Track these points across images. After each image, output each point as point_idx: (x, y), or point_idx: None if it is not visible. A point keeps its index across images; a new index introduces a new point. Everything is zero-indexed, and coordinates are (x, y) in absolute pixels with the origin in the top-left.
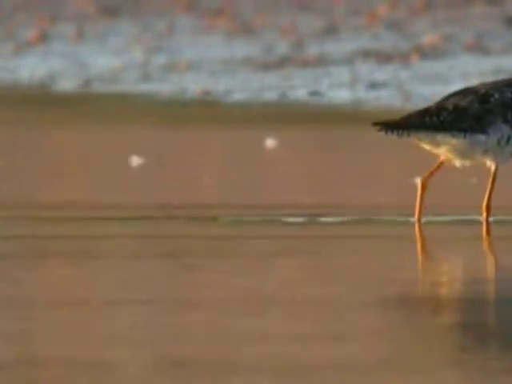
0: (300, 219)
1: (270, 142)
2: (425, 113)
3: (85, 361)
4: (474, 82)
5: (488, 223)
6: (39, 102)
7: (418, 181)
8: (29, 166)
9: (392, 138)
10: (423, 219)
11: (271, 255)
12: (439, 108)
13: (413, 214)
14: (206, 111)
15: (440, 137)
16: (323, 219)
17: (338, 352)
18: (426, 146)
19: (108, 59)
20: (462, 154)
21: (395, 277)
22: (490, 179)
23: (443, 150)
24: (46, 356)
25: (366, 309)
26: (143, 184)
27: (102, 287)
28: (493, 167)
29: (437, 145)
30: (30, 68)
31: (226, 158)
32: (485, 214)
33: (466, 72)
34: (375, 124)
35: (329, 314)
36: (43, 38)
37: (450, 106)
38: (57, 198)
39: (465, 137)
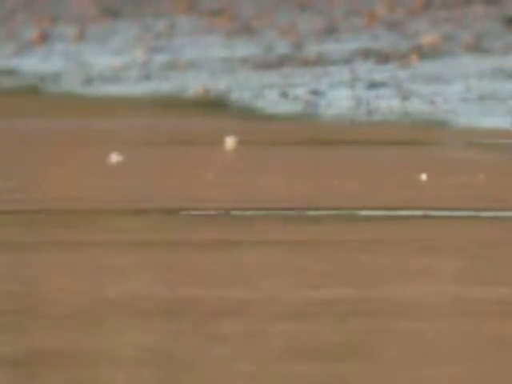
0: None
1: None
2: None
3: None
4: (473, 82)
5: None
6: (36, 100)
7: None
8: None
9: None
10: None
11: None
12: None
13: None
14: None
15: None
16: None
17: None
18: None
19: (109, 59)
20: None
21: None
22: None
23: None
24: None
25: None
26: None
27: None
28: None
29: None
30: (31, 68)
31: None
32: None
33: (466, 72)
34: None
35: None
36: (45, 38)
37: None
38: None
39: None
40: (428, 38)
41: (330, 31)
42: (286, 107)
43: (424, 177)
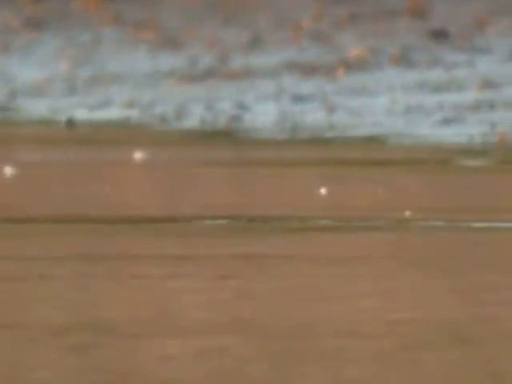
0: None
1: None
2: None
3: None
4: (399, 94)
5: None
6: None
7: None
8: None
9: None
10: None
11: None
12: None
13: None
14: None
15: None
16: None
17: None
18: None
19: (33, 72)
20: None
21: None
22: None
23: None
24: None
25: None
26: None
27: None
28: None
29: None
30: None
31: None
32: None
33: (391, 85)
34: None
35: None
36: None
37: None
38: None
39: None
40: (355, 51)
41: (256, 44)
42: (210, 121)
43: (324, 191)
